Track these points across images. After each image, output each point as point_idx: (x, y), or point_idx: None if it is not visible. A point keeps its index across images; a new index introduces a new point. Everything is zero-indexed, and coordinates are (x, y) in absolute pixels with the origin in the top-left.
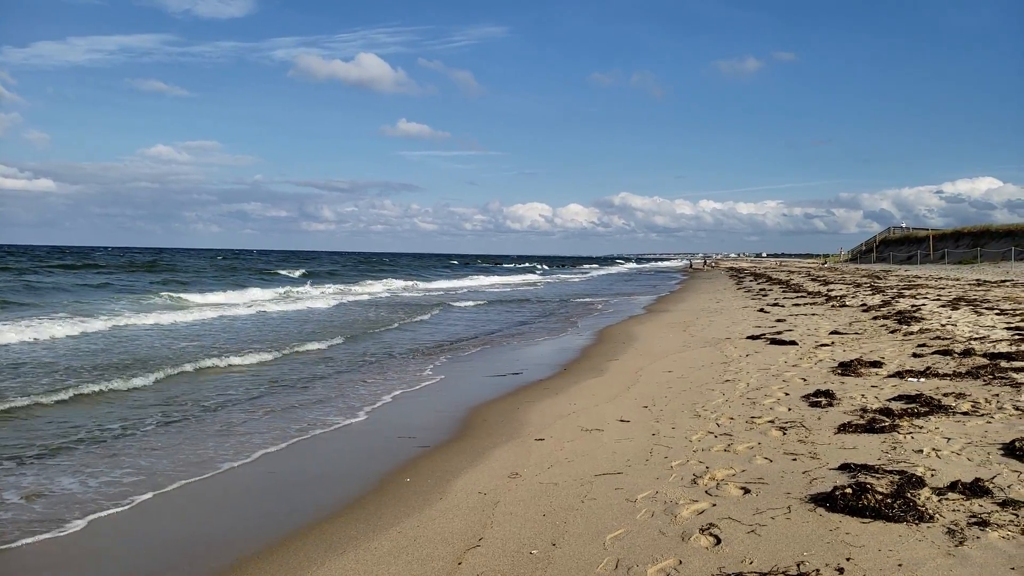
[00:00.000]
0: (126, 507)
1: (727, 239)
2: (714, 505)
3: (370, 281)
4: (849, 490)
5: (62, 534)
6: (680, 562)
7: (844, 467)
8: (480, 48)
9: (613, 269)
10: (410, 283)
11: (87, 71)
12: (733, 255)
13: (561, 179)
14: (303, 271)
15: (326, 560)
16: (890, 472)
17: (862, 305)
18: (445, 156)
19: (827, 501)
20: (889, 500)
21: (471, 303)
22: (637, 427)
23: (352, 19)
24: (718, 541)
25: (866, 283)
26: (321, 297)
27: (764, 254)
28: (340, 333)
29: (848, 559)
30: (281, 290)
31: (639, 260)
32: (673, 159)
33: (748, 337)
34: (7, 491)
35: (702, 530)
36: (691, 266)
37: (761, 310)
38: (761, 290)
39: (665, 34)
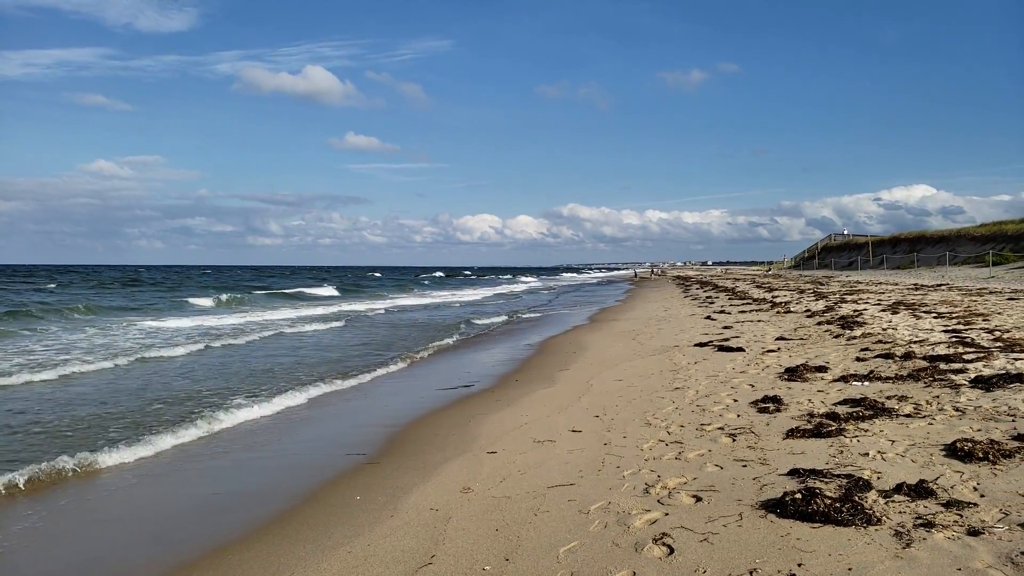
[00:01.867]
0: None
1: (674, 248)
2: (667, 514)
3: (399, 295)
4: (799, 495)
5: None
6: (634, 573)
7: (793, 472)
8: (425, 61)
9: (589, 276)
10: (441, 299)
11: (22, 85)
12: (680, 263)
13: (510, 191)
14: (334, 287)
15: None
16: (838, 476)
17: (806, 311)
18: (394, 169)
19: (777, 507)
20: (838, 504)
21: (496, 319)
22: (589, 437)
23: (295, 33)
24: (671, 551)
25: (809, 289)
26: (351, 314)
27: (710, 262)
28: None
29: (800, 564)
30: (332, 308)
31: (608, 269)
32: (619, 170)
33: (696, 344)
34: None
35: (655, 540)
36: (636, 275)
37: (708, 317)
38: (708, 298)
39: (610, 47)
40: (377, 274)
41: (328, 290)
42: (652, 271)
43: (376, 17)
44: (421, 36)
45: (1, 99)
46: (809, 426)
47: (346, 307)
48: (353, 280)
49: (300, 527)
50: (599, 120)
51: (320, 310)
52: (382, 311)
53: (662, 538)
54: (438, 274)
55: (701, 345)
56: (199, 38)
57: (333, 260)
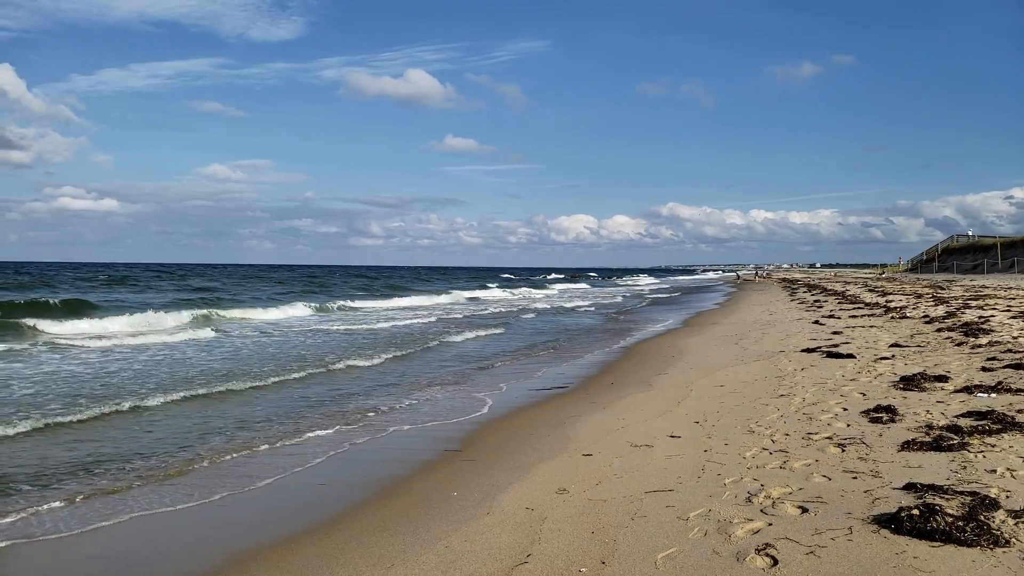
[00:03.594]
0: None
1: (780, 249)
2: (770, 524)
3: (549, 296)
4: (916, 511)
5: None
6: None
7: (909, 487)
8: (523, 62)
9: (705, 276)
10: (583, 300)
11: (147, 95)
12: (785, 265)
13: (606, 190)
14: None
15: (375, 573)
16: (960, 493)
17: (924, 316)
18: (489, 170)
19: (892, 522)
20: (960, 523)
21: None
22: (688, 443)
23: (394, 38)
24: (775, 562)
25: (928, 293)
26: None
27: (818, 264)
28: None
29: None
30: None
31: (723, 270)
32: (723, 168)
33: (803, 350)
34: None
35: (758, 550)
36: (739, 277)
37: (816, 322)
38: (816, 301)
39: (716, 42)
40: (509, 275)
41: (499, 293)
42: (756, 274)
43: (472, 20)
44: (518, 37)
45: (130, 110)
46: (927, 439)
47: (510, 309)
48: (492, 280)
49: (400, 520)
50: (702, 117)
51: (501, 308)
52: (536, 311)
53: (765, 548)
54: (550, 275)
55: (808, 351)
56: (305, 46)
57: (431, 261)
